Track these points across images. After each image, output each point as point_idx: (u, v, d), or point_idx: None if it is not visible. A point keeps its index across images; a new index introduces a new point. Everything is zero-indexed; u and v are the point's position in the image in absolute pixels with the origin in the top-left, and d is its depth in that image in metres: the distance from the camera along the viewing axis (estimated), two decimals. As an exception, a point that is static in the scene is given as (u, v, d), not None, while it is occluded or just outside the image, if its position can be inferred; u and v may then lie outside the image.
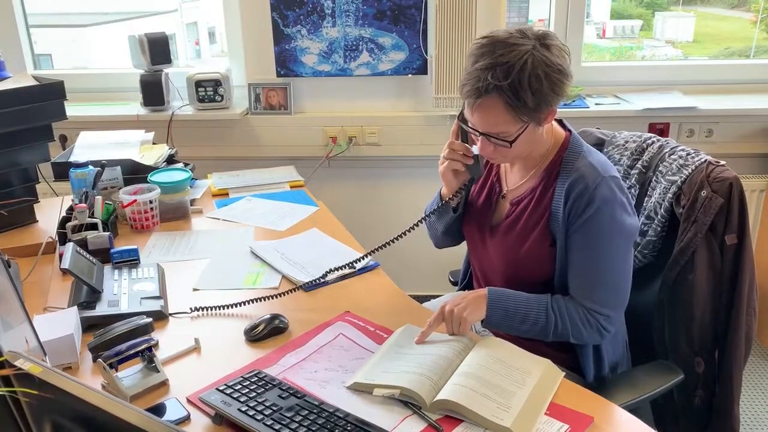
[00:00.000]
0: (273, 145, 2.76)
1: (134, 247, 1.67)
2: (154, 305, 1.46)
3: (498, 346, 1.28)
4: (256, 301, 1.48)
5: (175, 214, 1.99)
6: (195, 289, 1.59)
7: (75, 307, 1.40)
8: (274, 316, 1.39)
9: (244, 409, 1.10)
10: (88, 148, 2.13)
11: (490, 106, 1.29)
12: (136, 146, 2.17)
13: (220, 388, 1.16)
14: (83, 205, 1.75)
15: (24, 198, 1.90)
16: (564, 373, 1.23)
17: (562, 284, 1.41)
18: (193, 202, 2.09)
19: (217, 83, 2.64)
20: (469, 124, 1.37)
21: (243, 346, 1.36)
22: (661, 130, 2.63)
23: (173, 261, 1.73)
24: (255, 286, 1.59)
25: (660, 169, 1.58)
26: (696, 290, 1.49)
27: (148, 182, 1.98)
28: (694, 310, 1.51)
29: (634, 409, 1.23)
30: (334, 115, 2.74)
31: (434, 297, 1.84)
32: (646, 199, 1.61)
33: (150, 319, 1.31)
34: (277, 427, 1.06)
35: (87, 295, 1.48)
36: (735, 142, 2.66)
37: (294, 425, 1.06)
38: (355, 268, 1.59)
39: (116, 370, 1.19)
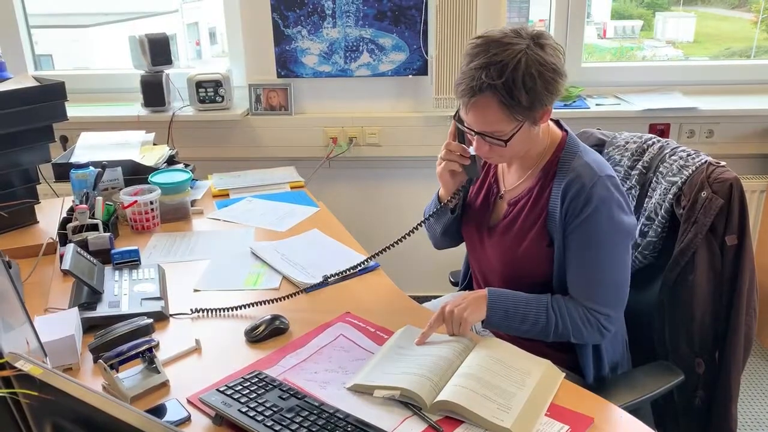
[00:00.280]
0: (273, 145, 2.76)
1: (135, 248, 1.68)
2: (155, 306, 1.46)
3: (498, 347, 1.28)
4: (257, 305, 1.48)
5: (175, 214, 1.99)
6: (196, 290, 1.59)
7: (76, 308, 1.41)
8: (275, 317, 1.40)
9: (244, 410, 1.10)
10: (88, 148, 2.13)
11: (485, 105, 1.29)
12: (137, 147, 2.17)
13: (221, 389, 1.16)
14: (84, 206, 1.75)
15: (25, 199, 1.90)
16: (564, 374, 1.23)
17: (560, 284, 1.41)
18: (193, 202, 2.09)
19: (217, 84, 2.64)
20: (465, 124, 1.37)
21: (243, 347, 1.36)
22: (662, 130, 2.63)
23: (174, 262, 1.73)
24: (255, 287, 1.59)
25: (660, 169, 1.58)
26: (696, 291, 1.49)
27: (148, 183, 1.98)
28: (695, 310, 1.51)
29: (634, 410, 1.23)
30: (334, 116, 2.74)
31: (434, 297, 1.84)
32: (646, 200, 1.61)
33: (151, 320, 1.31)
34: (277, 428, 1.06)
35: (88, 296, 1.48)
36: (735, 142, 2.66)
37: (294, 426, 1.06)
38: (355, 269, 1.59)
39: (117, 371, 1.20)
